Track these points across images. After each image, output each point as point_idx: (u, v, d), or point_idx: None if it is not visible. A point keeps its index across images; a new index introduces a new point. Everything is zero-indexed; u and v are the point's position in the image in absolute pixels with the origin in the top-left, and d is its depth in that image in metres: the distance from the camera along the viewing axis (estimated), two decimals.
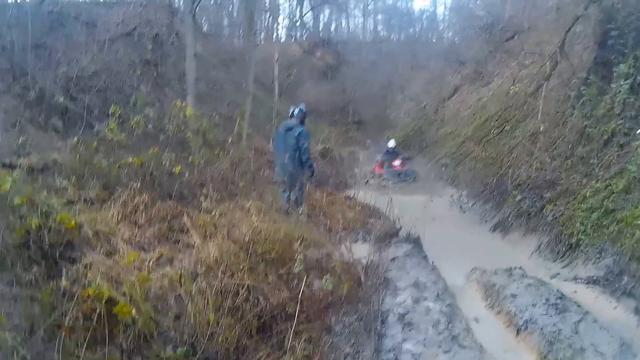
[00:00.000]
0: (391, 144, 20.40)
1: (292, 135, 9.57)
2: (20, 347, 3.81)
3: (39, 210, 5.46)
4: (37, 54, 12.30)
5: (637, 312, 6.21)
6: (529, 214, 10.10)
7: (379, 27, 51.49)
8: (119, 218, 6.76)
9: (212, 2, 30.95)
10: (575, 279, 7.55)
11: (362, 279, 6.36)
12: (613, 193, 8.35)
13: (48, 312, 4.32)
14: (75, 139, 8.78)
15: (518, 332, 5.76)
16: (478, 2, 30.62)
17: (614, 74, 10.04)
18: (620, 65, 9.96)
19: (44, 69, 12.01)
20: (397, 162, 19.40)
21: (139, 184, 7.56)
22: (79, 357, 4.06)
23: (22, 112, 10.20)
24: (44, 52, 12.80)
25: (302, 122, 9.85)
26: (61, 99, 11.41)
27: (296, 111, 9.85)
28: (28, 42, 11.92)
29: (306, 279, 5.61)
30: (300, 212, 8.37)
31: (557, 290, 6.60)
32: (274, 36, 35.41)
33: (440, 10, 49.52)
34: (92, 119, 11.45)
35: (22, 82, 11.12)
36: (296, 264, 5.88)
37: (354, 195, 12.17)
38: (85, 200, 7.16)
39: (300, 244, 6.41)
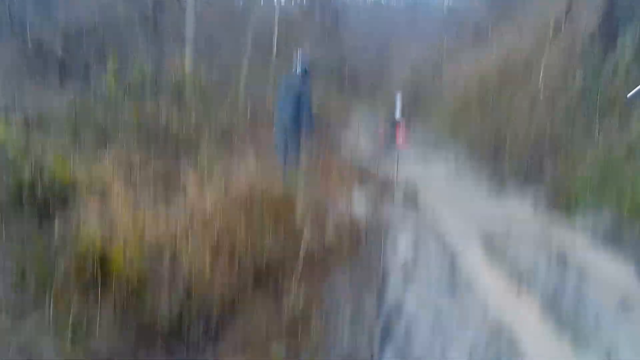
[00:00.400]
0: (397, 114, 19.15)
1: (293, 90, 9.34)
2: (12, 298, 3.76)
3: (33, 163, 5.36)
4: (35, 7, 12.15)
5: (636, 267, 6.17)
6: (528, 174, 10.02)
7: None
8: (114, 173, 6.66)
9: None
10: (574, 234, 7.48)
11: (362, 235, 6.27)
12: (613, 157, 8.29)
13: (41, 264, 4.26)
14: (72, 92, 8.67)
15: (519, 286, 5.68)
16: None
17: (618, 40, 9.91)
18: (625, 32, 9.81)
19: (43, 23, 11.86)
20: (400, 139, 18.29)
21: (135, 140, 7.47)
22: (71, 307, 3.98)
23: (19, 65, 10.06)
24: (42, 5, 12.64)
25: (304, 77, 9.63)
26: (59, 53, 11.28)
27: (298, 65, 9.65)
28: None
29: (304, 233, 5.52)
30: (298, 167, 8.29)
31: (557, 244, 6.62)
32: None
33: None
34: (90, 73, 11.29)
35: (20, 34, 11.00)
36: (298, 218, 5.81)
37: (351, 155, 12.07)
38: (80, 154, 7.03)
39: (299, 200, 6.31)
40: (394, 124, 17.46)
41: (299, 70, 9.49)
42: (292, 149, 9.05)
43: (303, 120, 9.21)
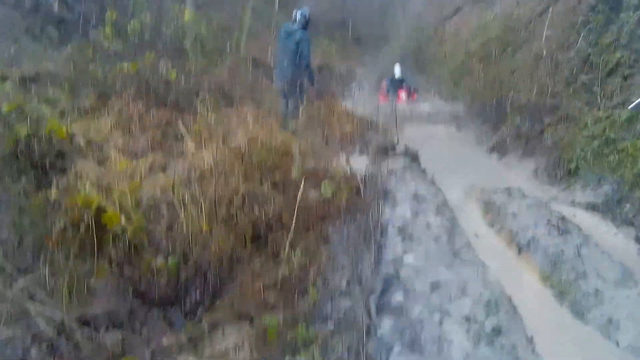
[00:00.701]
0: (397, 70, 18.05)
1: (293, 39, 9.24)
2: (6, 262, 3.77)
3: (29, 119, 5.33)
4: None
5: (637, 240, 6.10)
6: (528, 137, 9.90)
7: None
8: (112, 126, 6.64)
9: None
10: (573, 202, 7.40)
11: (361, 189, 6.23)
12: (615, 123, 8.19)
13: (36, 224, 4.24)
14: (70, 47, 8.60)
15: (519, 251, 5.66)
16: None
17: (624, 4, 9.74)
18: None
19: None
20: (403, 95, 17.49)
21: (133, 92, 7.42)
22: (66, 269, 3.99)
23: (16, 21, 9.96)
24: None
25: (304, 27, 9.47)
26: (57, 8, 11.16)
27: (298, 15, 9.52)
28: None
29: (303, 187, 5.48)
30: (298, 118, 8.24)
31: (558, 212, 6.50)
32: None
33: None
34: (88, 27, 11.17)
35: None
36: (293, 170, 5.78)
37: (352, 108, 11.96)
38: (78, 109, 7.00)
39: (298, 151, 6.27)
40: (394, 82, 17.24)
41: (298, 19, 9.39)
42: (291, 99, 9.01)
43: (302, 71, 9.15)
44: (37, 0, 10.86)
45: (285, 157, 6.24)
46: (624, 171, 7.34)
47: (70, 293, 3.88)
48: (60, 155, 5.40)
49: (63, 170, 5.20)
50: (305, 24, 9.49)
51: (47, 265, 3.92)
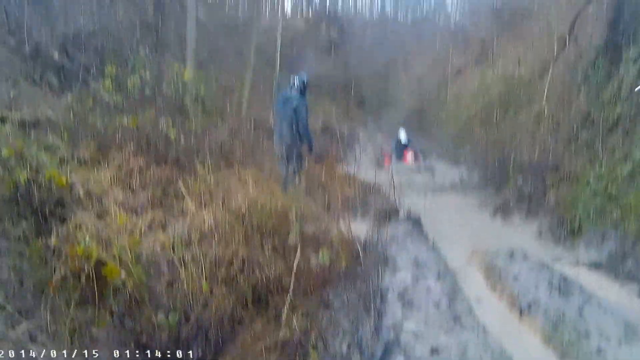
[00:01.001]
0: (402, 135, 17.87)
1: (290, 105, 9.22)
2: (7, 302, 3.69)
3: (29, 165, 5.27)
4: (34, 8, 12.06)
5: None
6: (531, 198, 9.98)
7: (387, 6, 51.09)
8: (111, 180, 6.59)
9: None
10: (577, 262, 7.38)
11: (361, 254, 6.16)
12: (617, 178, 8.24)
13: (36, 269, 4.22)
14: (70, 96, 8.58)
15: (521, 313, 5.61)
16: None
17: (623, 58, 9.88)
18: (630, 48, 9.78)
19: (41, 24, 11.76)
20: (409, 157, 17.13)
21: (134, 147, 7.38)
22: (67, 316, 3.92)
23: (16, 66, 9.95)
24: (41, 7, 12.55)
25: (302, 93, 9.45)
26: (57, 56, 11.18)
27: (296, 81, 9.55)
28: None
29: (303, 252, 5.43)
30: (298, 184, 8.20)
31: (560, 272, 6.50)
32: (279, 8, 34.80)
33: None
34: (88, 77, 11.18)
35: (18, 35, 10.88)
36: (291, 235, 5.72)
37: (354, 172, 11.97)
38: (78, 159, 6.95)
39: (298, 216, 6.21)
40: (399, 144, 17.22)
41: (296, 85, 9.42)
42: (291, 164, 8.96)
43: (301, 136, 9.13)
44: (37, 47, 10.88)
45: (286, 221, 6.18)
46: (627, 226, 7.40)
47: (72, 338, 3.83)
48: (60, 203, 5.33)
49: (62, 219, 5.14)
50: (303, 90, 9.52)
51: (48, 310, 3.87)
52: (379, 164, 16.58)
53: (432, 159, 17.32)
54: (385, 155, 17.71)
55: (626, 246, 7.18)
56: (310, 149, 9.47)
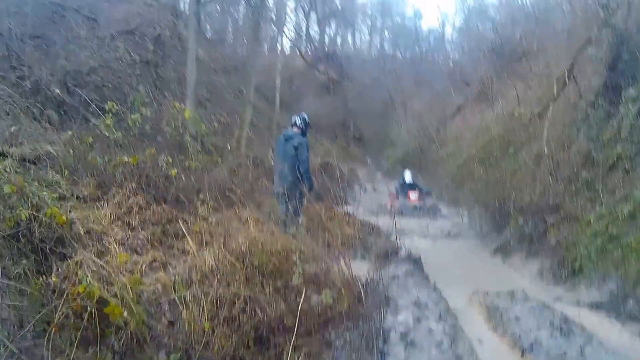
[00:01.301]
0: (407, 176, 17.67)
1: (291, 145, 9.30)
2: (8, 341, 3.67)
3: (30, 201, 5.24)
4: (35, 44, 12.16)
5: None
6: (531, 238, 9.99)
7: (385, 45, 51.48)
8: (112, 218, 6.58)
9: (218, 9, 30.60)
10: (578, 302, 7.43)
11: (363, 295, 6.13)
12: (618, 219, 8.25)
13: (37, 308, 4.17)
14: (70, 132, 8.60)
15: (523, 354, 5.59)
16: (488, 22, 30.51)
17: (623, 98, 9.94)
18: (630, 88, 9.85)
19: (42, 60, 11.84)
20: (413, 196, 17.01)
21: (133, 185, 7.38)
22: (69, 355, 3.91)
23: (16, 101, 9.96)
24: (42, 43, 12.66)
25: (303, 133, 9.59)
26: (57, 92, 11.23)
27: (297, 120, 9.61)
28: (27, 30, 11.77)
29: (305, 292, 5.40)
30: (298, 223, 8.19)
31: (562, 312, 6.46)
32: (278, 47, 35.09)
33: (448, 30, 49.27)
34: (88, 114, 11.22)
35: (18, 71, 10.96)
36: (294, 276, 5.69)
37: (354, 211, 11.97)
38: (77, 196, 6.94)
39: (299, 256, 6.19)
40: (404, 185, 17.08)
41: (297, 124, 9.46)
42: (291, 204, 8.94)
43: (301, 177, 9.12)
44: (38, 82, 10.93)
45: (286, 261, 6.16)
46: (628, 267, 7.39)
47: None
48: (60, 241, 5.30)
49: (63, 257, 5.11)
50: (305, 129, 9.57)
51: (50, 349, 3.83)
52: (381, 205, 16.51)
53: (434, 199, 17.29)
54: (390, 194, 17.65)
55: (627, 286, 7.19)
56: (311, 188, 9.46)
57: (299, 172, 9.16)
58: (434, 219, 14.45)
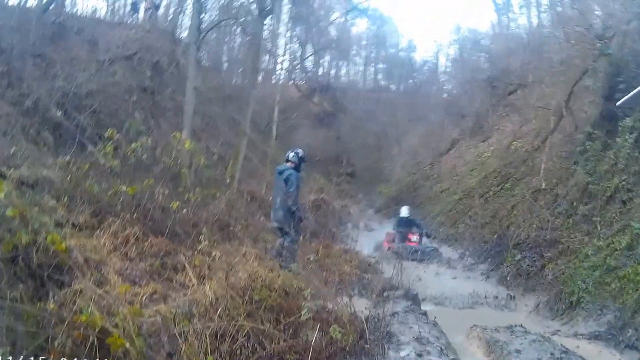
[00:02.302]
0: (404, 212, 16.87)
1: (282, 178, 9.32)
2: None
3: (30, 226, 5.14)
4: (35, 63, 12.14)
5: None
6: (529, 273, 10.06)
7: (379, 76, 51.53)
8: (109, 248, 6.56)
9: (213, 36, 30.60)
10: (576, 334, 7.50)
11: (365, 331, 6.08)
12: (615, 250, 8.40)
13: (32, 333, 4.11)
14: (67, 158, 8.53)
15: None
16: (482, 53, 30.49)
17: (619, 128, 10.03)
18: (626, 118, 9.94)
19: (41, 80, 11.82)
20: (414, 238, 15.78)
21: (130, 215, 7.32)
22: None
23: (15, 121, 9.91)
24: (42, 63, 12.65)
25: (297, 167, 9.59)
26: (55, 114, 11.19)
27: (290, 155, 9.60)
28: (28, 48, 11.75)
29: (308, 328, 5.33)
30: (294, 257, 8.16)
31: (561, 345, 6.50)
32: (274, 78, 35.14)
33: (442, 61, 49.34)
34: (84, 139, 11.15)
35: (18, 89, 10.91)
36: (303, 312, 5.69)
37: (350, 248, 11.92)
38: (73, 224, 6.89)
39: (303, 294, 6.15)
40: (402, 223, 16.61)
41: (290, 158, 9.48)
42: (287, 238, 8.90)
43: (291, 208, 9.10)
44: (36, 102, 10.90)
45: (286, 297, 6.18)
46: (625, 298, 7.49)
47: None
48: (59, 268, 5.21)
49: (61, 284, 5.04)
50: (298, 164, 9.57)
51: None
52: (377, 245, 16.12)
53: (433, 241, 17.04)
54: (387, 234, 16.76)
55: (625, 316, 7.27)
56: (300, 220, 9.43)
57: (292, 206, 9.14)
58: (434, 262, 14.14)
